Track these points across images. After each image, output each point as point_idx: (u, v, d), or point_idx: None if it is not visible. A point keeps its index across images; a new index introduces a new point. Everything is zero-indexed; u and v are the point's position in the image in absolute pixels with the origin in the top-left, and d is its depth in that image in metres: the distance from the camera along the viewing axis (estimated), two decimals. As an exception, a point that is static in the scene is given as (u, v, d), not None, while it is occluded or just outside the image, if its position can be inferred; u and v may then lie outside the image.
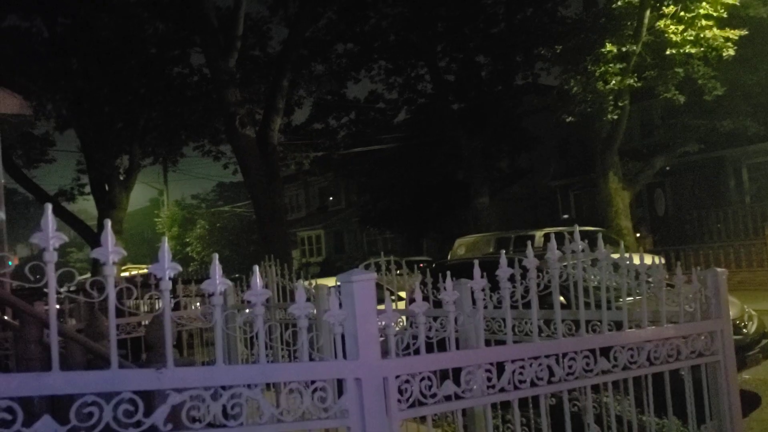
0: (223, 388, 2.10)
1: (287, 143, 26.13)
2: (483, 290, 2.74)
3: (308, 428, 2.32)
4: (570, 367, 2.80)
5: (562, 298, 3.57)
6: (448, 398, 2.52)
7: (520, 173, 30.78)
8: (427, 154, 27.53)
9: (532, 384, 2.70)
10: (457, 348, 2.81)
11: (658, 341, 3.15)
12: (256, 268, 2.16)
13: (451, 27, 23.91)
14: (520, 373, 2.66)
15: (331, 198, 42.99)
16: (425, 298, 3.54)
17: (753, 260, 17.51)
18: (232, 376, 2.14)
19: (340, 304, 2.35)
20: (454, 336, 2.67)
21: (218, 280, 2.05)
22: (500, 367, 2.64)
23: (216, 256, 2.07)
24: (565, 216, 27.31)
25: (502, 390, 2.64)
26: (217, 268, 2.05)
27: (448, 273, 2.69)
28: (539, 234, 17.03)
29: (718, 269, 3.54)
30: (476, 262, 2.67)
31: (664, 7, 16.47)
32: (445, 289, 2.62)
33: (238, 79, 19.59)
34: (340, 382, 2.34)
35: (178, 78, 24.40)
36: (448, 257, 19.06)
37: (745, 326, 7.38)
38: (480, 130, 24.39)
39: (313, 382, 2.26)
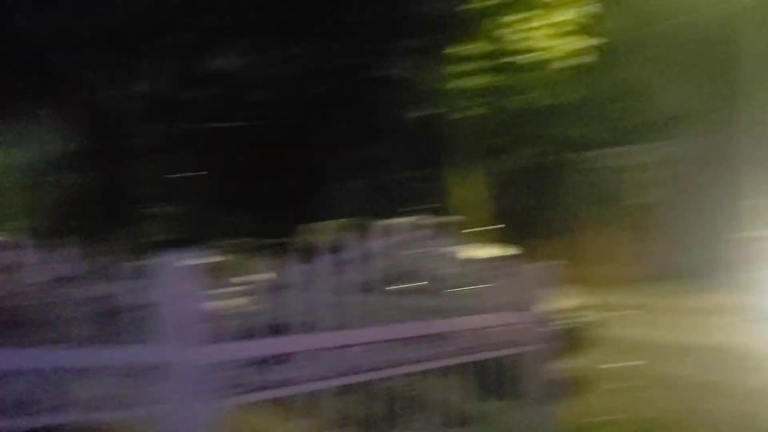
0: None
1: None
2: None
3: (119, 416, 2.24)
4: (390, 354, 2.85)
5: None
6: (284, 384, 2.50)
7: (377, 163, 31.09)
8: (282, 139, 27.12)
9: (353, 371, 2.73)
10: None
11: (477, 330, 3.29)
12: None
13: (306, 12, 23.54)
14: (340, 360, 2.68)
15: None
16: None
17: (587, 255, 19.05)
18: (38, 358, 2.01)
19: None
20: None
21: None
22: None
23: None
24: (422, 207, 27.90)
25: (323, 378, 2.64)
26: None
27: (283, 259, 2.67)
28: (391, 223, 17.27)
29: (537, 264, 3.74)
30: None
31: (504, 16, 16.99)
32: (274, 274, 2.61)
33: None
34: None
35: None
36: (302, 243, 18.97)
37: (568, 316, 7.90)
38: (334, 119, 24.34)
39: (133, 369, 2.18)
